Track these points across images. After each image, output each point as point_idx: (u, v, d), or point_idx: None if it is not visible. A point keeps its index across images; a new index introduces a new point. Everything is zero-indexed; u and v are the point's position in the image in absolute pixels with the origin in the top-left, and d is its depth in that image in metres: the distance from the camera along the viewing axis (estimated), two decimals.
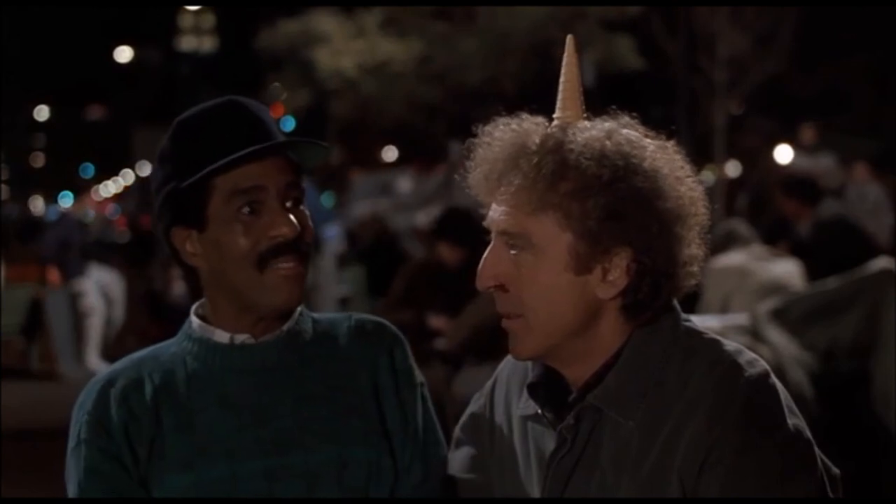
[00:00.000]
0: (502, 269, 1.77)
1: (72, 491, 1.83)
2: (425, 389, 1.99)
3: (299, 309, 1.92)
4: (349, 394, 1.89)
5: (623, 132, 1.77)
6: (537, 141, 1.76)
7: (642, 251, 1.73)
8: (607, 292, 1.75)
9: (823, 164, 12.49)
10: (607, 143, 1.74)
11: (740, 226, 7.25)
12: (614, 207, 1.71)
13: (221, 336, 1.87)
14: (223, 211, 1.82)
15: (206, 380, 1.86)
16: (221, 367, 1.86)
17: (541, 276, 1.75)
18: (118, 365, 1.90)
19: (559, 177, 1.72)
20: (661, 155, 1.76)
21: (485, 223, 1.81)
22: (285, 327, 1.89)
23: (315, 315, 1.97)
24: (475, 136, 1.82)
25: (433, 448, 1.95)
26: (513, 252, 1.76)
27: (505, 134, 1.79)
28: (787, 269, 6.57)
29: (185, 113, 1.90)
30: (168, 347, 1.92)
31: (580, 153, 1.73)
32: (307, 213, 1.87)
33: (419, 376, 1.98)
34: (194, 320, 1.91)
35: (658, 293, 1.76)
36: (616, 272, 1.74)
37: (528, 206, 1.74)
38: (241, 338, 1.87)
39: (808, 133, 13.50)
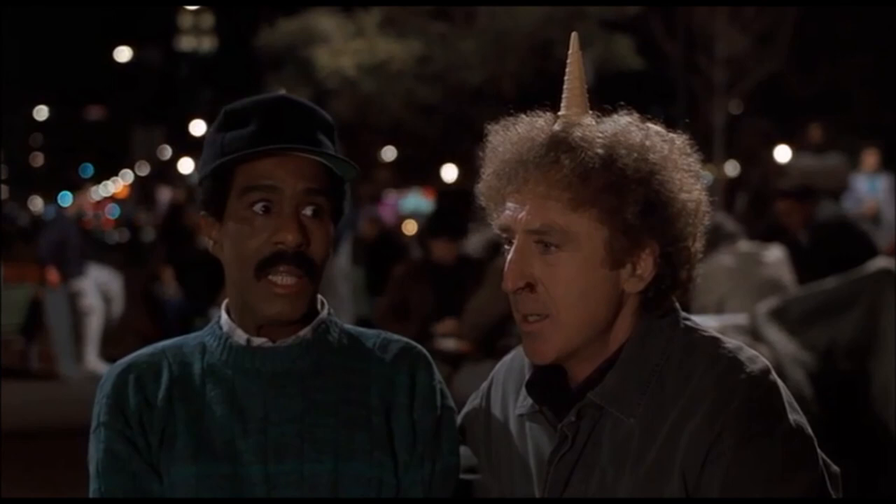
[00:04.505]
0: (533, 268, 1.75)
1: (92, 472, 1.84)
2: (453, 415, 1.92)
3: (323, 316, 1.90)
4: (358, 407, 1.86)
5: (652, 127, 1.77)
6: (564, 137, 1.74)
7: (668, 243, 1.74)
8: (636, 286, 1.75)
9: (831, 164, 12.45)
10: (640, 135, 1.74)
11: (726, 221, 7.21)
12: (650, 201, 1.72)
13: (240, 336, 1.87)
14: (237, 206, 1.81)
15: (218, 377, 1.86)
16: (234, 367, 1.85)
17: (576, 272, 1.73)
18: (142, 351, 1.91)
19: (598, 171, 1.71)
20: (681, 150, 1.78)
21: (500, 224, 1.78)
22: (302, 333, 1.87)
23: (346, 326, 1.94)
24: (483, 136, 1.82)
25: (441, 477, 1.88)
26: (543, 250, 1.74)
27: (518, 132, 1.78)
28: (777, 258, 6.58)
29: (236, 102, 1.89)
30: (194, 339, 1.92)
31: (614, 147, 1.72)
32: (329, 227, 1.84)
33: (445, 401, 1.91)
34: (223, 316, 1.90)
35: (676, 284, 1.77)
36: (644, 265, 1.75)
37: (564, 202, 1.72)
38: (259, 341, 1.86)
39: (815, 132, 13.46)
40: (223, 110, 1.88)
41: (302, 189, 1.80)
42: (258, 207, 1.80)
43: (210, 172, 1.82)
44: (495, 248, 6.88)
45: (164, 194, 29.79)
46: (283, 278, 1.80)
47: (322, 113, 1.88)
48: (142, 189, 52.45)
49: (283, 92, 1.90)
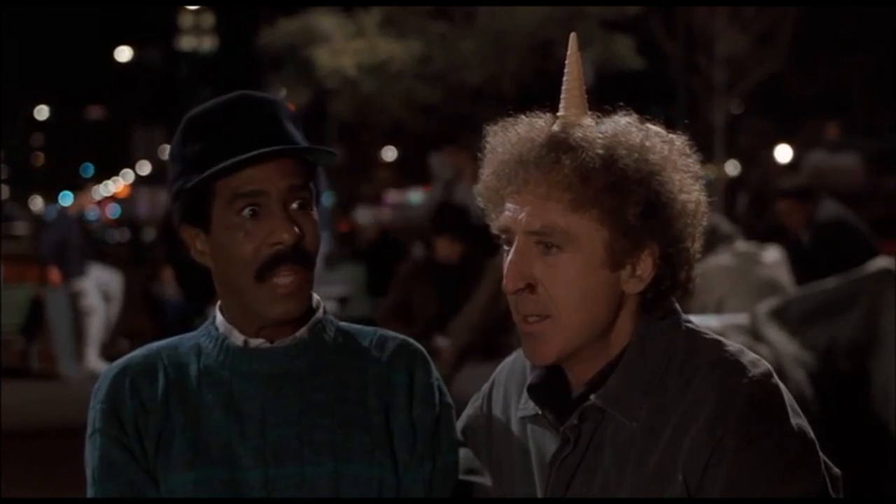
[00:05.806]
0: (534, 269, 1.74)
1: (89, 478, 1.83)
2: (451, 412, 1.91)
3: (319, 315, 1.89)
4: (356, 407, 1.85)
5: (651, 127, 1.77)
6: (564, 138, 1.73)
7: (668, 244, 1.74)
8: (635, 287, 1.75)
9: (845, 163, 12.37)
10: (640, 136, 1.74)
11: (722, 222, 7.21)
12: (650, 202, 1.72)
13: (237, 338, 1.86)
14: (225, 214, 1.80)
15: (215, 379, 1.84)
16: (231, 369, 1.84)
17: (577, 274, 1.73)
18: (136, 353, 1.90)
19: (599, 172, 1.71)
20: (680, 151, 1.78)
21: (499, 225, 1.78)
22: (299, 333, 1.86)
23: (342, 324, 1.93)
24: (482, 137, 1.81)
25: (441, 475, 1.88)
26: (544, 251, 1.74)
27: (518, 133, 1.77)
28: (774, 258, 6.58)
29: (196, 108, 1.87)
30: (189, 339, 1.91)
31: (615, 148, 1.72)
32: (315, 216, 1.84)
33: (443, 398, 1.91)
34: (218, 316, 1.89)
35: (675, 285, 1.77)
36: (643, 266, 1.75)
37: (565, 203, 1.72)
38: (256, 342, 1.85)
39: (831, 130, 13.35)
40: (186, 120, 1.86)
41: (286, 187, 1.80)
42: (247, 212, 1.79)
43: (191, 187, 1.80)
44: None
45: (142, 193, 29.92)
46: (286, 278, 1.80)
47: (282, 102, 1.88)
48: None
49: (242, 91, 1.87)
